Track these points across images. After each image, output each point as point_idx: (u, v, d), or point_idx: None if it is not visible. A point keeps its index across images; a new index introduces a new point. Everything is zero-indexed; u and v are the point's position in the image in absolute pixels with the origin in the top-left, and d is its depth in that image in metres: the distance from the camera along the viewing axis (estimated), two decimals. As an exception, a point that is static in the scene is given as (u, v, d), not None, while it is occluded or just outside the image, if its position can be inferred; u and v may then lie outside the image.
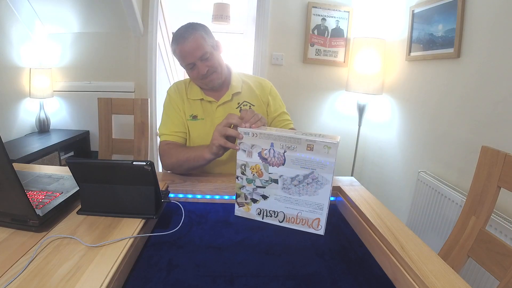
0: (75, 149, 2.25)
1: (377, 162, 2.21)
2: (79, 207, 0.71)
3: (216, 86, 1.06)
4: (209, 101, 1.08)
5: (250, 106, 1.11)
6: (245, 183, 0.78)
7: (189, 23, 1.01)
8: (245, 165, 0.77)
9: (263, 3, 2.09)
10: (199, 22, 1.03)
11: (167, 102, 1.12)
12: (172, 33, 2.74)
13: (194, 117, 1.09)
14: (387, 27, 2.07)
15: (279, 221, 0.79)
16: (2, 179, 0.56)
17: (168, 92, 1.14)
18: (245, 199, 0.80)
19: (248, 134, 0.75)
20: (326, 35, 2.15)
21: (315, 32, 2.14)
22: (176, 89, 1.12)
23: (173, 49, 1.01)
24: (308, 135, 0.71)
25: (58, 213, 0.69)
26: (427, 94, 1.67)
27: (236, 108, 1.10)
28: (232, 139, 0.82)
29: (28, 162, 1.66)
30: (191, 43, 0.96)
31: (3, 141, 0.54)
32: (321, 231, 0.76)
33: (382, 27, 2.10)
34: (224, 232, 0.75)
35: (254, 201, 0.79)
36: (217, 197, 0.92)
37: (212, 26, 1.07)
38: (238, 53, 4.22)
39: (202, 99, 1.09)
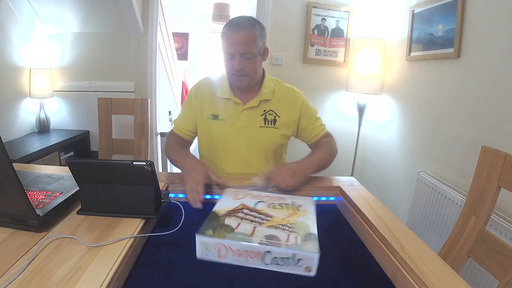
0: (75, 149, 2.25)
1: (377, 162, 2.21)
2: (79, 207, 0.72)
3: (243, 87, 1.04)
4: (236, 103, 1.06)
5: (275, 116, 1.08)
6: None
7: (251, 17, 0.98)
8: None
9: (263, 3, 2.09)
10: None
11: (189, 96, 1.12)
12: (172, 33, 2.75)
13: (215, 117, 1.07)
14: (387, 27, 2.06)
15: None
16: (2, 179, 0.56)
17: (193, 87, 1.13)
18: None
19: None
20: (326, 35, 2.15)
21: (315, 32, 2.14)
22: (201, 86, 1.11)
23: (223, 31, 0.98)
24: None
25: (58, 213, 0.69)
26: (427, 94, 1.67)
27: (261, 115, 1.07)
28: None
29: (28, 162, 1.66)
30: (242, 35, 0.93)
31: (3, 141, 0.54)
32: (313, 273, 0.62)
33: (382, 27, 2.10)
34: (224, 232, 0.75)
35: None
36: (217, 197, 0.91)
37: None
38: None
39: (229, 99, 1.06)
